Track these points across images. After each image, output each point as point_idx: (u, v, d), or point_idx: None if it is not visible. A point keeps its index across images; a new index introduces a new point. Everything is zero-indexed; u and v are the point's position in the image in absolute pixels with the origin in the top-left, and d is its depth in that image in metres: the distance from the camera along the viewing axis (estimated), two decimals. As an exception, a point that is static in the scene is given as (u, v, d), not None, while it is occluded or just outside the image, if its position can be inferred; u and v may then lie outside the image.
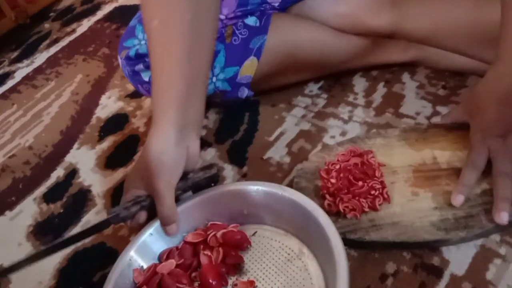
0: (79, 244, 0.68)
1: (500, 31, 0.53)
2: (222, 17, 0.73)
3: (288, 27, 0.74)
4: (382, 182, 0.57)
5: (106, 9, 1.34)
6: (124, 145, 0.84)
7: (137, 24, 0.74)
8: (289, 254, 0.55)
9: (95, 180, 0.79)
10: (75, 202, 0.76)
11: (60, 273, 0.65)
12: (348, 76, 0.80)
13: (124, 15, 1.28)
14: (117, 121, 0.90)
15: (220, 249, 0.55)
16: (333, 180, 0.58)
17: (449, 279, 0.50)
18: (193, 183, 0.58)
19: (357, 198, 0.56)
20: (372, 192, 0.56)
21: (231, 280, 0.54)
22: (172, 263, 0.55)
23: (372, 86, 0.77)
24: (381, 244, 0.54)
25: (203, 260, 0.54)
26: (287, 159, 0.69)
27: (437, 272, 0.51)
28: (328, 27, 0.74)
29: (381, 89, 0.76)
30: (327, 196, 0.58)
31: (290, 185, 0.64)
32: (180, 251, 0.56)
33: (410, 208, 0.55)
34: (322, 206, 0.57)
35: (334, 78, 0.80)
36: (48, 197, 0.79)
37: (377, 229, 0.54)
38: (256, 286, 0.53)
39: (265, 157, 0.71)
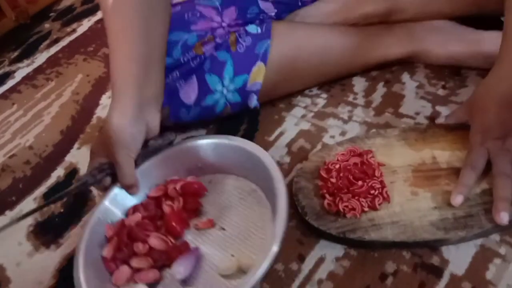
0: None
1: (502, 34, 0.54)
2: (224, 24, 0.73)
3: (289, 32, 0.75)
4: (381, 182, 0.57)
5: (106, 9, 1.34)
6: (124, 145, 0.84)
7: None
8: (240, 193, 0.63)
9: (95, 180, 0.79)
10: (75, 202, 0.76)
11: (60, 273, 0.66)
12: (348, 76, 0.80)
13: (124, 15, 1.28)
14: (117, 121, 0.90)
15: (180, 198, 0.62)
16: (333, 180, 0.58)
17: (449, 278, 0.51)
18: (153, 150, 0.63)
19: (356, 197, 0.56)
20: (372, 191, 0.56)
21: (193, 223, 0.62)
22: (138, 216, 0.61)
23: (372, 86, 0.77)
24: (381, 243, 0.54)
25: (166, 209, 0.62)
26: (287, 159, 0.70)
27: (437, 272, 0.51)
28: (326, 25, 0.76)
29: (380, 89, 0.76)
30: (327, 195, 0.58)
31: (290, 184, 0.64)
32: (144, 206, 0.63)
33: (409, 207, 0.55)
34: (322, 206, 0.58)
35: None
36: (49, 197, 0.79)
37: (377, 228, 0.54)
38: (215, 223, 0.61)
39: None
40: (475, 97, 0.58)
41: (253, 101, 0.74)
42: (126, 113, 0.58)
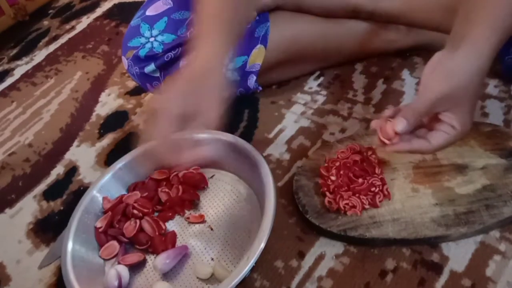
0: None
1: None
2: None
3: (288, 18, 0.76)
4: (382, 179, 0.57)
5: (105, 6, 1.34)
6: (124, 142, 0.84)
7: (141, 23, 0.74)
8: (237, 196, 0.64)
9: (95, 178, 0.78)
10: (75, 200, 0.76)
11: (60, 270, 0.65)
12: (348, 73, 0.80)
13: (123, 12, 1.27)
14: (117, 119, 0.90)
15: (180, 186, 0.64)
16: (333, 178, 0.58)
17: (448, 275, 0.51)
18: None
19: (357, 195, 0.56)
20: (372, 189, 0.56)
21: (187, 213, 0.64)
22: (136, 194, 0.64)
23: (372, 83, 0.77)
24: (382, 240, 0.54)
25: (162, 196, 0.64)
26: (286, 156, 0.69)
27: (437, 269, 0.51)
28: (324, 17, 0.76)
29: (380, 86, 0.76)
30: (328, 193, 0.58)
31: (290, 182, 0.64)
32: (145, 185, 0.66)
33: (410, 204, 0.55)
34: (323, 204, 0.58)
35: (334, 75, 0.80)
36: (48, 195, 0.79)
37: (377, 225, 0.54)
38: (205, 220, 0.62)
39: (264, 154, 0.71)
40: (457, 86, 0.49)
41: (252, 82, 0.76)
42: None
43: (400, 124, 0.50)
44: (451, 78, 0.49)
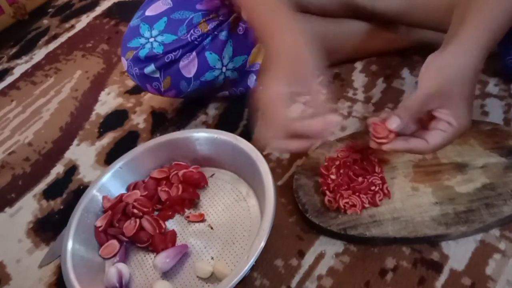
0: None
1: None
2: (227, 3, 0.74)
3: None
4: (382, 178, 0.57)
5: (105, 4, 1.34)
6: (124, 141, 0.84)
7: (140, 23, 0.74)
8: (237, 195, 0.64)
9: (95, 177, 0.78)
10: (75, 199, 0.75)
11: (60, 270, 0.65)
12: (348, 72, 0.80)
13: (123, 10, 1.27)
14: (117, 118, 0.90)
15: (180, 185, 0.64)
16: (333, 176, 0.58)
17: (448, 274, 0.51)
18: None
19: (357, 194, 0.56)
20: (373, 187, 0.56)
21: (187, 212, 0.64)
22: (136, 193, 0.64)
23: (372, 82, 0.77)
24: (382, 239, 0.54)
25: (162, 195, 0.64)
26: (286, 155, 0.69)
27: (437, 267, 0.51)
28: (323, 16, 0.76)
29: (380, 85, 0.76)
30: (327, 192, 0.58)
31: (290, 181, 0.64)
32: (145, 184, 0.66)
33: (410, 203, 0.55)
34: (323, 202, 0.58)
35: (334, 73, 0.80)
36: (48, 194, 0.79)
37: (377, 224, 0.54)
38: (205, 219, 0.62)
39: (264, 152, 0.71)
40: (447, 81, 0.50)
41: (253, 81, 0.76)
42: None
43: (393, 122, 0.50)
44: (440, 73, 0.49)
